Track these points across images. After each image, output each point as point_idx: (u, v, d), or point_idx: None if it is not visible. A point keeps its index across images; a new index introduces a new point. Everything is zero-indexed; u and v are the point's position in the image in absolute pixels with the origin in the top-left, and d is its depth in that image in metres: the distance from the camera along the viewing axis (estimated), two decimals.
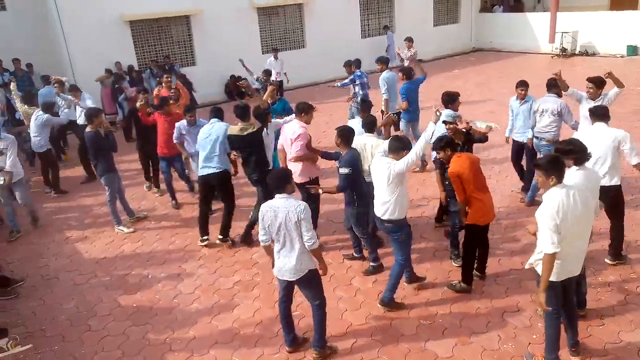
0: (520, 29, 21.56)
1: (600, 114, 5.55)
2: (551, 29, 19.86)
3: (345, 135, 5.69)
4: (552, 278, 4.05)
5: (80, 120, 10.17)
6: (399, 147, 5.06)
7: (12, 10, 15.04)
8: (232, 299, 5.83)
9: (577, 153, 4.37)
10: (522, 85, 7.39)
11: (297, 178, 6.09)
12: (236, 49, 16.74)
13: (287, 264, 4.45)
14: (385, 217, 5.14)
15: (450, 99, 6.95)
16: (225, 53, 16.41)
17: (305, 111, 6.43)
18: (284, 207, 4.31)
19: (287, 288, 4.68)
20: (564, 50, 19.59)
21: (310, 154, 6.37)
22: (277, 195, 4.41)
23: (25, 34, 14.88)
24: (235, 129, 6.53)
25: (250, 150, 6.51)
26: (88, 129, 7.39)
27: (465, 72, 18.30)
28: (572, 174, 4.34)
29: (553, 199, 3.92)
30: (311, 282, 4.56)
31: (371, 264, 6.11)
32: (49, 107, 9.27)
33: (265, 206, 4.44)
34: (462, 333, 4.93)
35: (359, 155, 5.80)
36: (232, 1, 16.49)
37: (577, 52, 19.69)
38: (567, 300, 4.28)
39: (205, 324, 5.43)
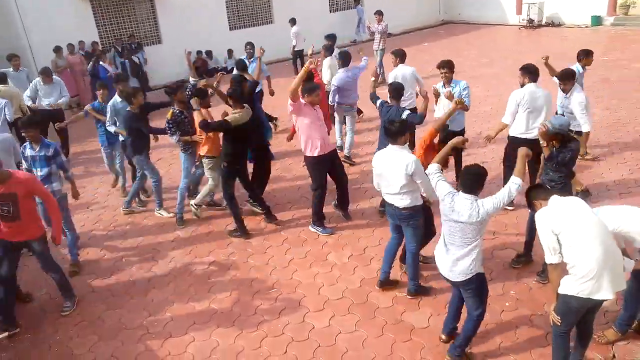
0: (488, 0, 21.64)
1: None
2: (518, 0, 19.97)
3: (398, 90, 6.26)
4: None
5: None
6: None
7: None
8: (208, 279, 5.81)
9: None
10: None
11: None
12: (203, 26, 16.40)
13: None
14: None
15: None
16: (192, 30, 16.04)
17: None
18: None
19: None
20: (530, 21, 19.77)
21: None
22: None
23: None
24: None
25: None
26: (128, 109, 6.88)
27: (434, 45, 18.30)
28: None
29: None
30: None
31: None
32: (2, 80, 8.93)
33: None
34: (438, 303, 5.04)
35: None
36: None
37: (543, 23, 19.89)
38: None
39: (182, 305, 5.40)
